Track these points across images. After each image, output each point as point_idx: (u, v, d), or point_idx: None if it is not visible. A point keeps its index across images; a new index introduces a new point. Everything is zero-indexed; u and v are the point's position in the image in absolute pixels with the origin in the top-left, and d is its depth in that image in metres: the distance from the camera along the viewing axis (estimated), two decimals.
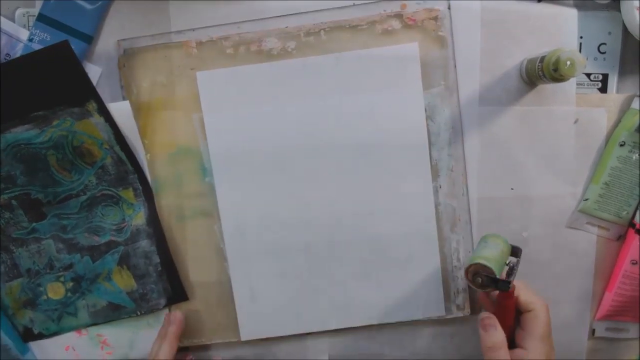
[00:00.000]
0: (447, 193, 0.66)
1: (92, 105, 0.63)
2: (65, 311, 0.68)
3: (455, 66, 0.65)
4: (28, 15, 0.64)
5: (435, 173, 0.66)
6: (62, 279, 0.67)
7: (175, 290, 0.68)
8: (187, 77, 0.65)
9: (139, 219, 0.67)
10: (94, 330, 0.69)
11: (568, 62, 0.55)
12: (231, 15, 0.64)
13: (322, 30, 0.64)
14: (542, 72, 0.59)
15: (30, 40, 0.63)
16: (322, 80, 0.64)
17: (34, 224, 0.66)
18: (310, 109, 0.65)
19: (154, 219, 0.66)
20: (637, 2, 0.61)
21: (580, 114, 0.66)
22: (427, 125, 0.65)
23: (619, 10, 0.64)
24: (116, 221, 0.67)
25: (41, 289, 0.67)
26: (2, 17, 0.64)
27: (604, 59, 0.65)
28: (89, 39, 0.64)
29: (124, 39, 0.65)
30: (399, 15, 0.64)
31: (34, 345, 0.70)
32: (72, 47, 0.62)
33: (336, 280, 0.67)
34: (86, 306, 0.68)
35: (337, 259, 0.67)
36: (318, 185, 0.66)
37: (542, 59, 0.59)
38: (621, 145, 0.65)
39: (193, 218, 0.67)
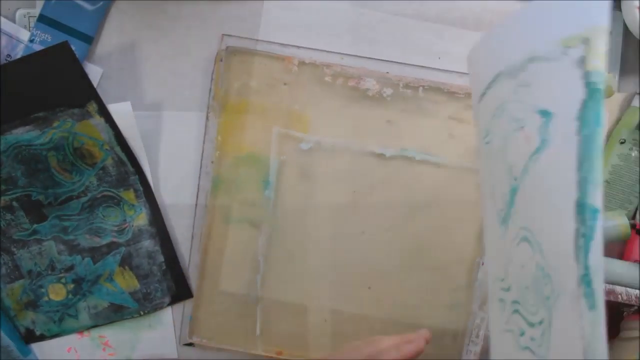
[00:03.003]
0: (487, 272, 0.66)
1: (92, 106, 0.63)
2: (66, 313, 0.68)
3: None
4: (29, 16, 0.64)
5: (481, 249, 0.66)
6: (63, 280, 0.67)
7: (180, 288, 0.68)
8: (278, 91, 0.65)
9: (140, 219, 0.66)
10: (95, 331, 0.69)
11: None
12: (333, 44, 0.65)
13: (421, 87, 0.64)
14: None
15: (31, 41, 0.63)
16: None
17: (35, 226, 0.65)
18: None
19: (157, 219, 0.66)
20: (638, 1, 0.61)
21: None
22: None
23: (620, 10, 0.64)
24: (117, 222, 0.66)
25: (42, 290, 0.67)
26: (2, 18, 0.63)
27: None
28: (90, 40, 0.64)
29: (229, 35, 0.64)
30: None
31: (36, 347, 0.69)
32: (73, 47, 0.62)
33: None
34: (87, 308, 0.68)
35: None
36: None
37: None
38: (621, 143, 0.66)
39: (240, 223, 0.67)
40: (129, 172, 0.65)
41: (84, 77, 0.62)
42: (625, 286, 0.63)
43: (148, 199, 0.66)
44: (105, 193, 0.65)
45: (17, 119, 0.62)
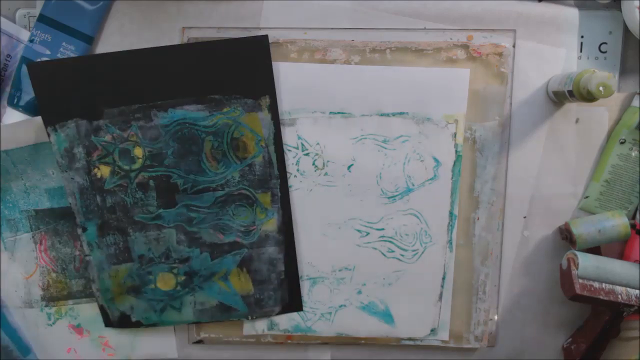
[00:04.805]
0: (484, 226, 0.67)
1: (265, 101, 0.63)
2: (170, 304, 0.67)
3: (511, 104, 0.65)
4: (29, 16, 0.64)
5: (475, 205, 0.67)
6: (175, 270, 0.66)
7: (292, 300, 0.67)
8: None
9: (270, 224, 0.66)
10: (95, 332, 0.69)
11: (601, 88, 0.56)
12: (298, 20, 0.65)
13: (388, 49, 0.64)
14: (573, 97, 0.60)
15: (31, 41, 0.63)
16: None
17: (160, 210, 0.65)
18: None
19: (287, 227, 0.66)
20: (638, 1, 0.61)
21: (581, 114, 0.66)
22: (475, 157, 0.66)
23: (620, 10, 0.64)
24: (245, 223, 0.66)
25: (151, 277, 0.66)
26: (2, 18, 0.63)
27: (605, 58, 0.65)
28: (90, 40, 0.64)
29: (189, 27, 0.64)
30: (465, 46, 0.64)
31: (36, 347, 0.70)
32: (72, 47, 0.62)
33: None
34: (193, 303, 0.67)
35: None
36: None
37: (570, 82, 0.59)
38: (621, 143, 0.66)
39: None
40: (272, 175, 0.65)
41: (270, 72, 0.63)
42: (625, 286, 0.63)
43: (283, 206, 0.65)
44: (243, 191, 0.65)
45: (194, 95, 0.63)
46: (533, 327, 0.69)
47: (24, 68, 0.62)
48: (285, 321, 0.68)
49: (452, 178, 0.66)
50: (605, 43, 0.65)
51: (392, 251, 0.67)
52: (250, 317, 0.67)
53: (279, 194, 0.65)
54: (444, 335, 0.68)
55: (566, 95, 0.60)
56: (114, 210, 0.65)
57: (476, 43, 0.64)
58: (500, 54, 0.64)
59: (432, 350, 0.69)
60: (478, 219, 0.67)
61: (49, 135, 0.63)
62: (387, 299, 0.68)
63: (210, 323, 0.68)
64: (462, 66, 0.64)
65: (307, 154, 0.65)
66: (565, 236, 0.66)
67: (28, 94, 0.63)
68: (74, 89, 0.62)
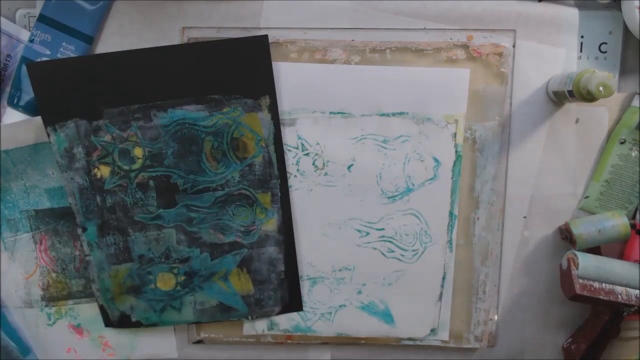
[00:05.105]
0: (484, 226, 0.67)
1: (265, 101, 0.63)
2: (170, 304, 0.67)
3: (511, 104, 0.65)
4: (29, 16, 0.64)
5: (475, 205, 0.67)
6: (175, 270, 0.66)
7: (292, 300, 0.67)
8: None
9: (270, 224, 0.66)
10: (95, 332, 0.69)
11: (601, 88, 0.56)
12: (298, 20, 0.65)
13: (388, 49, 0.64)
14: (573, 97, 0.60)
15: (31, 41, 0.63)
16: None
17: (160, 210, 0.65)
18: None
19: (287, 227, 0.66)
20: (638, 1, 0.61)
21: (581, 114, 0.66)
22: (475, 157, 0.66)
23: (620, 10, 0.64)
24: (245, 223, 0.66)
25: (151, 277, 0.66)
26: (2, 18, 0.63)
27: (605, 58, 0.65)
28: (90, 40, 0.64)
29: (189, 27, 0.64)
30: (465, 46, 0.64)
31: (36, 347, 0.70)
32: (72, 47, 0.62)
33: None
34: (193, 303, 0.67)
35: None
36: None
37: (570, 82, 0.59)
38: (621, 143, 0.66)
39: None
40: (272, 175, 0.65)
41: (270, 72, 0.63)
42: (625, 286, 0.63)
43: (283, 206, 0.66)
44: (243, 191, 0.65)
45: (194, 95, 0.63)
46: (533, 327, 0.69)
47: (24, 68, 0.62)
48: (285, 321, 0.68)
49: (452, 178, 0.66)
50: (605, 43, 0.65)
51: (392, 251, 0.67)
52: (250, 317, 0.68)
53: (279, 194, 0.65)
54: (444, 335, 0.68)
55: (566, 95, 0.60)
56: (114, 210, 0.65)
57: (476, 43, 0.64)
58: (500, 54, 0.64)
59: (432, 350, 0.69)
60: (478, 219, 0.67)
61: (48, 135, 0.63)
62: (387, 299, 0.68)
63: (210, 323, 0.68)
64: (462, 66, 0.64)
65: (307, 154, 0.66)
66: (565, 236, 0.66)
67: (28, 94, 0.63)
68: (73, 89, 0.62)
